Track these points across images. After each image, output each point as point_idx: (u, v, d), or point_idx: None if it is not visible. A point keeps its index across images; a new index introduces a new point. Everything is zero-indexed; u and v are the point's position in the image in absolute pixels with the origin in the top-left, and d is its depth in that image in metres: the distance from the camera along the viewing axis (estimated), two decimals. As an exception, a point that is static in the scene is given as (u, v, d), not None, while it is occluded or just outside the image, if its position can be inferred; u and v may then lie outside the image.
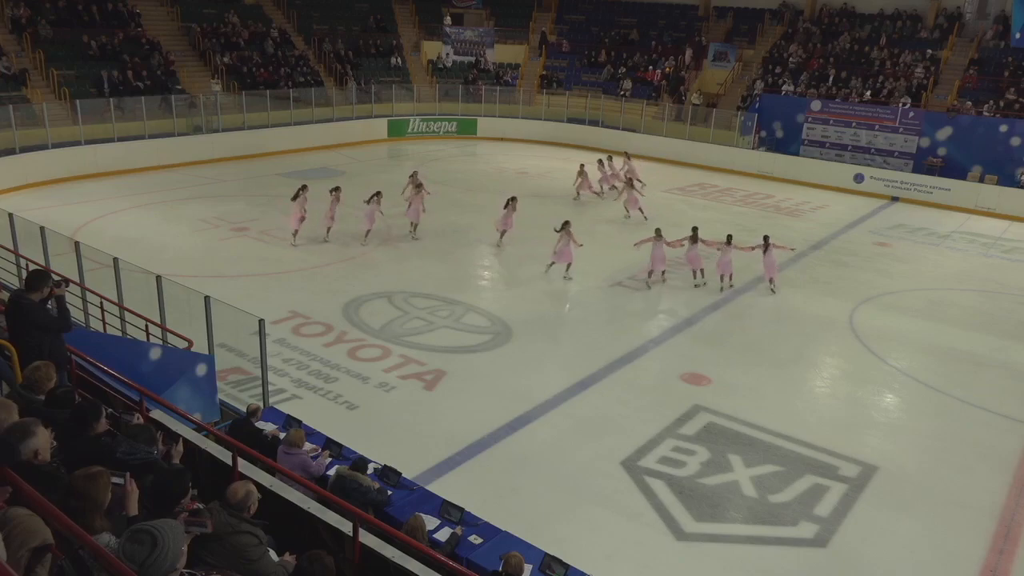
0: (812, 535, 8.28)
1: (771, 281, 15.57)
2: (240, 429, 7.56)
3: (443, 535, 6.54)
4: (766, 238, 15.45)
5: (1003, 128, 24.40)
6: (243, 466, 5.91)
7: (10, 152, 20.74)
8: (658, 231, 15.62)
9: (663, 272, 15.80)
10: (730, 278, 15.68)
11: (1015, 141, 24.06)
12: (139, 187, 21.42)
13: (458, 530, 6.57)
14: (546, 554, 6.19)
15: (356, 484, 6.67)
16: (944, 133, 25.35)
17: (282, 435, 7.69)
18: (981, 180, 24.40)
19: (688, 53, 33.35)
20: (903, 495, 9.08)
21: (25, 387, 5.42)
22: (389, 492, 7.06)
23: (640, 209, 20.30)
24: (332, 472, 7.13)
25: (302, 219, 16.78)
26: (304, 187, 16.95)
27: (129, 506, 4.00)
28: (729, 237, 15.55)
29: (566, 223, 15.81)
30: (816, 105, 27.59)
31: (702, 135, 29.04)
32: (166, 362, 8.66)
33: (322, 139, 28.53)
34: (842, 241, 19.89)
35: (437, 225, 19.02)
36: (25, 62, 24.42)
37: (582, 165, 22.60)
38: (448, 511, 6.87)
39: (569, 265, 15.82)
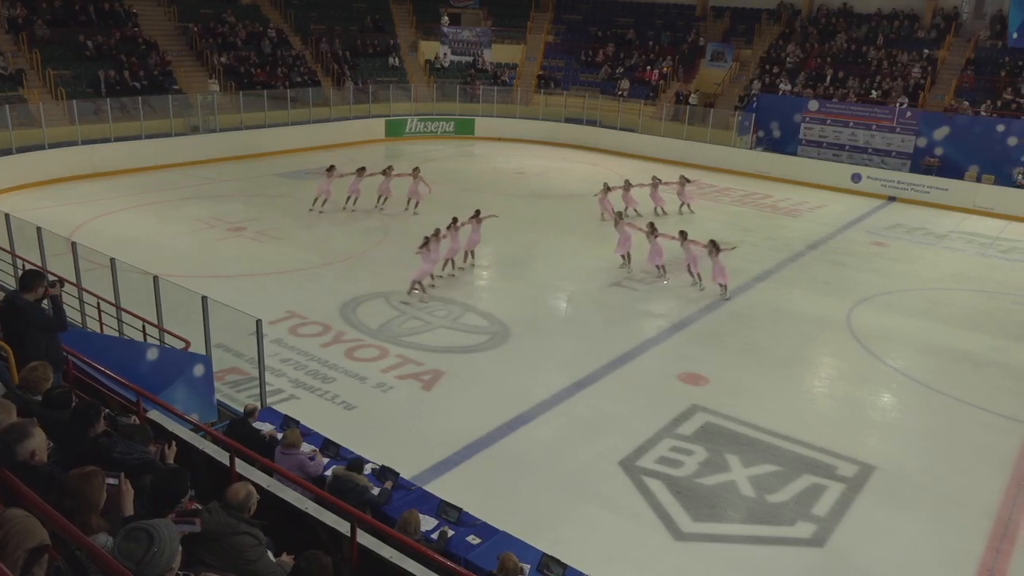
0: (810, 535, 8.28)
1: (723, 287, 15.06)
2: (237, 429, 7.55)
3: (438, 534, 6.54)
4: (713, 242, 15.03)
5: (1000, 128, 24.41)
6: (240, 466, 5.91)
7: (7, 152, 20.68)
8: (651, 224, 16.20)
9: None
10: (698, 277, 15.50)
11: (1012, 141, 24.06)
12: (136, 187, 21.38)
13: (446, 529, 6.57)
14: (544, 554, 6.19)
15: (352, 484, 6.68)
16: (941, 133, 25.35)
17: (279, 435, 7.69)
18: (978, 180, 24.40)
19: (690, 38, 33.62)
20: (901, 495, 9.09)
21: (22, 388, 5.41)
22: (388, 488, 7.07)
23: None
24: (329, 472, 7.13)
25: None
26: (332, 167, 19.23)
27: (124, 506, 3.99)
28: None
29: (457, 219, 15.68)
30: (813, 105, 27.59)
31: (700, 135, 29.04)
32: (163, 362, 8.65)
33: (319, 139, 28.46)
34: (839, 241, 19.90)
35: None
36: (22, 62, 24.36)
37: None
38: (446, 511, 6.87)
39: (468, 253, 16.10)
